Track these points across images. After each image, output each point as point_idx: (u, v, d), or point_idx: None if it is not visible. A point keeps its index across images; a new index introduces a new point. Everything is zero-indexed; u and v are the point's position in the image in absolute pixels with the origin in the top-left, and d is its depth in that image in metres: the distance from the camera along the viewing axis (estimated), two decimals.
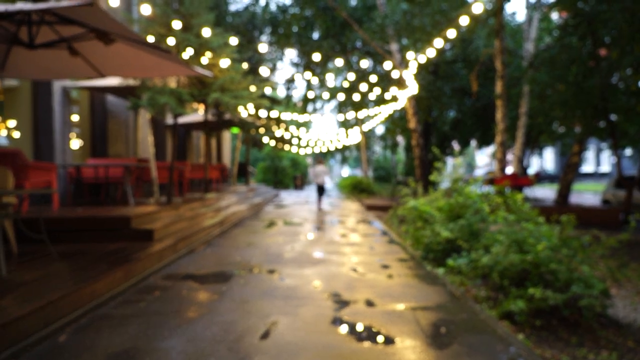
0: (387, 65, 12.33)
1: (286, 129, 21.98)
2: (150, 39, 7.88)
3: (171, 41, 7.96)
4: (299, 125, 24.37)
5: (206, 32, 8.29)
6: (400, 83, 13.37)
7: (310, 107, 24.51)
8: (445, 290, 4.32)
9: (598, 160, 35.16)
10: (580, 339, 3.23)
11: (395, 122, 19.43)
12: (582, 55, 9.70)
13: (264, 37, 19.45)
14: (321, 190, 14.07)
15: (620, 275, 3.74)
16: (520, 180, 12.85)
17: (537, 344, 3.14)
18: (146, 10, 7.23)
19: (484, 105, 17.56)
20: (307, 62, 19.45)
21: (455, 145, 22.65)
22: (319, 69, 19.45)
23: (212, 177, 13.12)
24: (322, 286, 4.43)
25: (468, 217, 5.42)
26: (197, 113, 12.92)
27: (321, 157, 18.78)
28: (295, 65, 21.11)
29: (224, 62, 9.07)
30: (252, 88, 10.48)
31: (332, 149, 31.48)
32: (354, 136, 24.78)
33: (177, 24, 7.94)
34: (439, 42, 9.07)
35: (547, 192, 20.59)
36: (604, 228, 6.35)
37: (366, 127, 22.16)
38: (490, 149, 36.32)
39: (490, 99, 16.22)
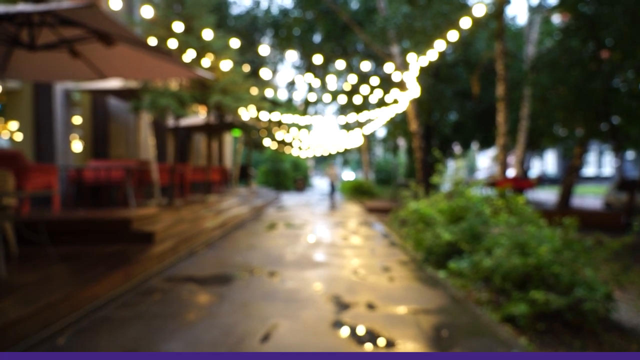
0: (389, 67, 12.32)
1: (287, 132, 22.02)
2: (152, 41, 7.89)
3: (173, 43, 7.96)
4: (300, 127, 24.39)
5: (208, 34, 8.30)
6: (402, 86, 13.37)
7: (311, 110, 24.53)
8: (447, 293, 4.30)
9: (600, 163, 35.05)
10: (583, 342, 3.20)
11: (397, 125, 19.43)
12: (583, 57, 9.68)
13: (266, 40, 19.51)
14: (332, 188, 18.12)
15: (624, 279, 3.71)
16: (522, 182, 12.82)
17: (539, 347, 3.11)
18: (148, 12, 7.24)
19: (485, 108, 17.55)
20: (309, 65, 19.50)
21: (457, 148, 22.64)
22: (320, 72, 19.47)
23: (214, 179, 13.11)
24: (323, 289, 4.41)
25: (470, 219, 5.39)
26: (199, 115, 12.93)
27: (332, 162, 21.51)
28: (297, 67, 21.16)
29: (226, 65, 9.08)
30: (254, 90, 10.48)
31: (333, 151, 31.43)
32: (356, 139, 24.78)
33: (178, 27, 7.95)
34: (440, 45, 9.05)
35: (548, 195, 20.54)
36: (606, 231, 6.30)
37: (367, 129, 22.16)
38: (491, 152, 36.26)
39: (491, 101, 16.20)
